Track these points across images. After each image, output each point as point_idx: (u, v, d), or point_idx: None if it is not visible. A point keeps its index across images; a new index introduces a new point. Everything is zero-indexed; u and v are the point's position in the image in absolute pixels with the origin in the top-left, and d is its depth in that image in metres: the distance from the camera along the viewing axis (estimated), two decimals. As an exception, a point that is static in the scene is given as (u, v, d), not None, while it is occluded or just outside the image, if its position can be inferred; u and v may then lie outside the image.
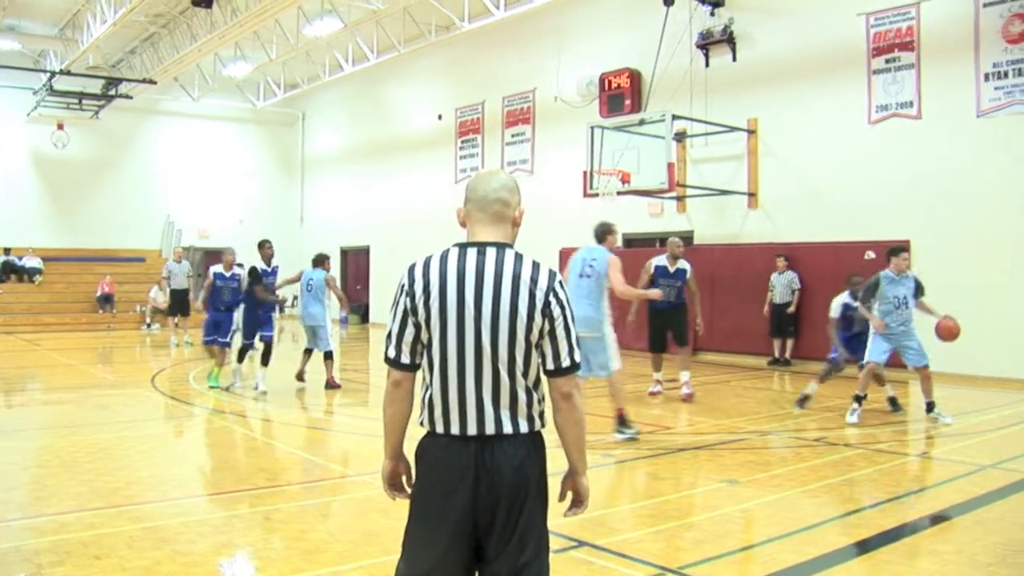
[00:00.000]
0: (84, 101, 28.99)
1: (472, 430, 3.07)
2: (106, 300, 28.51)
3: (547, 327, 3.06)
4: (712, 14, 18.36)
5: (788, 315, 16.61)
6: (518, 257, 3.10)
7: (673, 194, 17.84)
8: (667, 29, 17.65)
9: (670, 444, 9.35)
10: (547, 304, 3.05)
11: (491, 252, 3.09)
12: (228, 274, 13.39)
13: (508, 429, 3.07)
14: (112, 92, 28.39)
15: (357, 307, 30.46)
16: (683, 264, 12.62)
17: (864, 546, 5.74)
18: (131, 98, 28.68)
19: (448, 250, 3.14)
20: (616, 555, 5.51)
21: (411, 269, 3.15)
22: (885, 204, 15.72)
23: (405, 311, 3.12)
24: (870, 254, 15.66)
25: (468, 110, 25.56)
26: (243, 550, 5.75)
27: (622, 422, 9.22)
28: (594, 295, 9.16)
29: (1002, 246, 14.25)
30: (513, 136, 23.92)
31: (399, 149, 28.50)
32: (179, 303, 20.98)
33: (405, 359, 3.15)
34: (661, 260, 12.58)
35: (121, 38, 25.72)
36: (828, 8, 16.76)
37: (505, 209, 3.18)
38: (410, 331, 3.13)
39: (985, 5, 14.56)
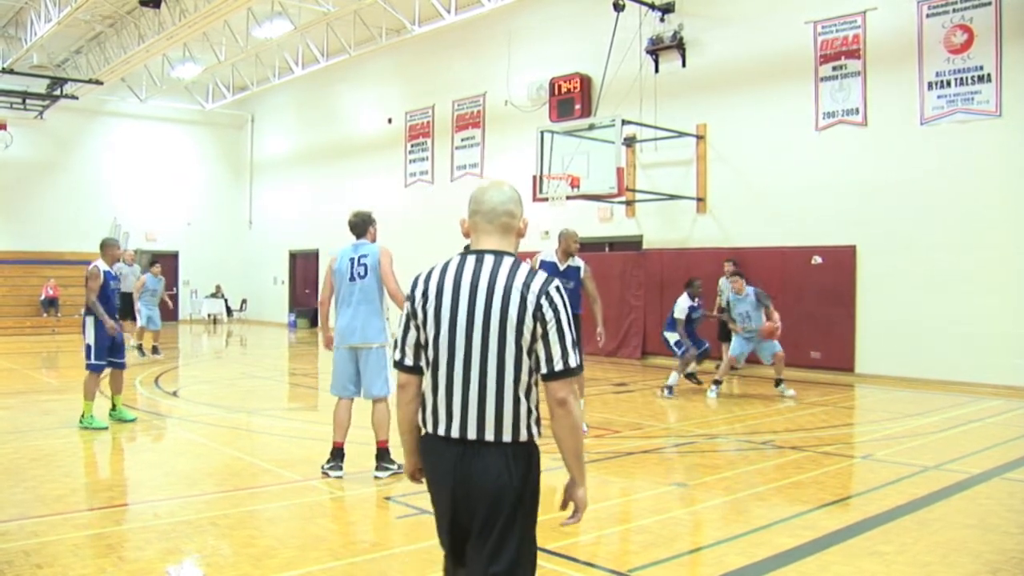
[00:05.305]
0: (28, 101, 28.49)
1: (455, 433, 3.15)
2: (50, 304, 28.08)
3: (539, 330, 3.10)
4: (662, 20, 18.49)
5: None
6: (515, 263, 3.18)
7: (622, 199, 17.94)
8: (617, 34, 17.73)
9: (619, 448, 9.38)
10: (538, 307, 3.09)
11: (488, 259, 3.18)
12: (115, 272, 10.60)
13: (489, 436, 3.12)
14: (57, 92, 27.95)
15: (306, 311, 30.30)
16: (577, 261, 10.27)
17: (811, 548, 5.80)
18: (77, 98, 28.26)
19: (452, 258, 3.26)
20: (566, 559, 5.52)
21: (417, 276, 3.29)
22: (831, 209, 15.94)
23: (408, 315, 3.29)
24: (817, 259, 15.89)
25: (418, 114, 25.51)
26: (190, 556, 5.68)
27: (384, 457, 7.90)
28: (371, 298, 7.88)
29: (945, 251, 14.51)
30: (463, 140, 23.91)
31: (349, 152, 28.38)
32: (127, 306, 20.64)
33: (409, 361, 3.30)
34: (550, 255, 10.27)
35: (66, 37, 25.30)
36: (777, 16, 16.96)
37: (512, 221, 3.28)
38: (412, 335, 3.27)
39: (928, 15, 14.82)
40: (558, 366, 3.11)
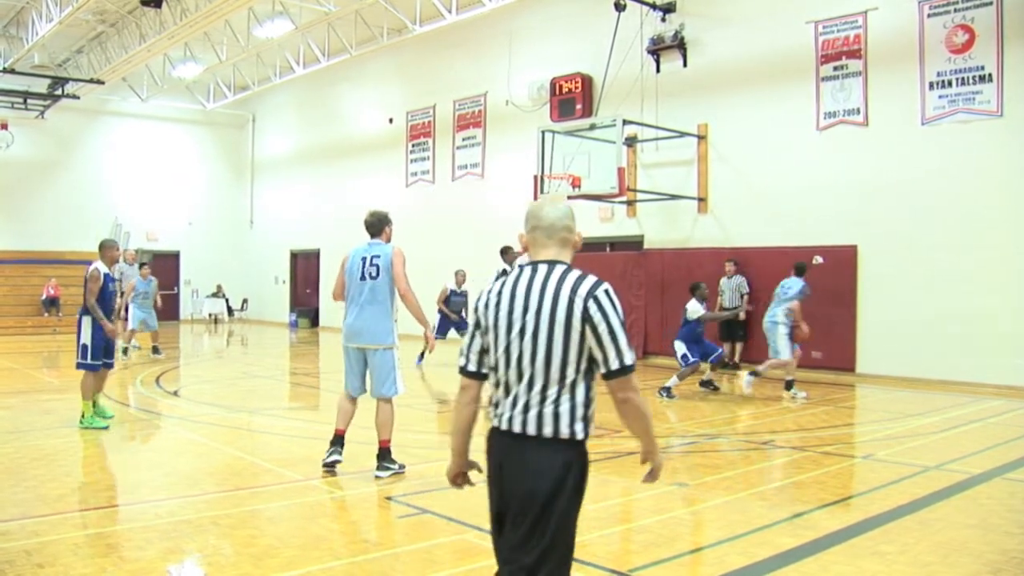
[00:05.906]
0: (29, 101, 28.47)
1: (503, 425, 3.34)
2: (52, 303, 28.07)
3: (590, 333, 3.25)
4: (663, 20, 18.48)
5: (737, 319, 16.64)
6: (567, 270, 3.37)
7: (624, 199, 17.94)
8: (618, 34, 17.72)
9: (619, 448, 9.37)
10: (586, 310, 3.24)
11: (542, 268, 3.41)
12: (116, 273, 10.27)
13: (532, 431, 3.27)
14: (58, 92, 27.91)
15: (307, 311, 30.29)
16: None
17: (812, 548, 5.80)
18: (78, 98, 28.24)
19: (513, 271, 3.52)
20: (567, 558, 5.52)
21: (482, 290, 3.57)
22: (832, 209, 15.93)
23: (474, 323, 3.54)
24: (818, 259, 15.86)
25: (419, 113, 25.50)
26: (191, 556, 5.68)
27: (385, 456, 7.83)
28: (382, 299, 7.80)
29: (945, 251, 14.50)
30: (464, 140, 23.91)
31: (350, 152, 28.37)
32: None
33: (471, 367, 3.52)
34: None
35: (68, 37, 25.29)
36: (778, 15, 16.94)
37: (570, 235, 3.51)
38: (476, 341, 3.51)
39: (929, 15, 14.82)
40: (614, 365, 3.26)
